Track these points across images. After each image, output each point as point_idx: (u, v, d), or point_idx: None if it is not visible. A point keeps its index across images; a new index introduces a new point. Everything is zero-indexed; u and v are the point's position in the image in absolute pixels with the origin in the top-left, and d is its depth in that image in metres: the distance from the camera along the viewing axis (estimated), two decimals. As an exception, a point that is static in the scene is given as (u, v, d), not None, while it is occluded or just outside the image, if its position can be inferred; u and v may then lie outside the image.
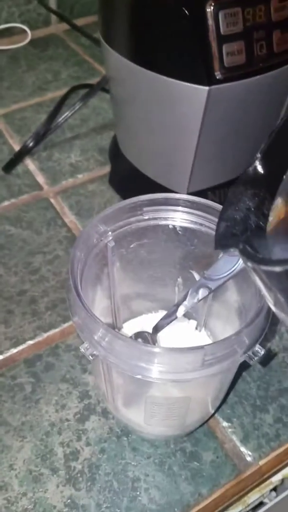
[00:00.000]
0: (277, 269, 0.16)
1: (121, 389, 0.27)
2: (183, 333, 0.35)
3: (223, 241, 0.22)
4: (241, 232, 0.22)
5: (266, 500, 0.45)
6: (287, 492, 0.43)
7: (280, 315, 0.19)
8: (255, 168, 0.22)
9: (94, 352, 0.24)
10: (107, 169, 0.56)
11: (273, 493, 0.45)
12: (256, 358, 0.23)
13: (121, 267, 0.32)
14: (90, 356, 0.24)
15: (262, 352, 0.24)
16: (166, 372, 0.23)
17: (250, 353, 0.23)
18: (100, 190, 0.54)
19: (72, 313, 0.25)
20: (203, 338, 0.35)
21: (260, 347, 0.24)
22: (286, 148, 0.22)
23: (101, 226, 0.28)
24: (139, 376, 0.23)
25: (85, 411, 0.37)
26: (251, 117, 0.40)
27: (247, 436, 0.35)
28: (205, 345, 0.22)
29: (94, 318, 0.23)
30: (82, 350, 0.24)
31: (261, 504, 0.45)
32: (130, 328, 0.37)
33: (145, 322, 0.34)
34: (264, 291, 0.18)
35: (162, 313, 0.31)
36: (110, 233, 0.29)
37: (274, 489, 0.46)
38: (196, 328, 0.36)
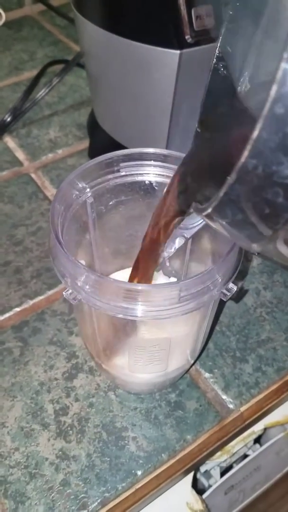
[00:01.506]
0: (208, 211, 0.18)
1: (105, 335, 0.28)
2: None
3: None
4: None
5: (250, 452, 0.47)
6: (270, 442, 0.45)
7: (245, 246, 0.20)
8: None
9: (77, 296, 0.25)
10: (86, 143, 0.56)
11: (257, 445, 0.47)
12: (229, 294, 0.25)
13: (101, 225, 0.33)
14: (73, 301, 0.25)
15: (235, 289, 0.25)
16: (146, 310, 0.24)
17: (224, 290, 0.25)
18: (80, 164, 0.54)
19: (55, 261, 0.26)
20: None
21: (233, 284, 0.25)
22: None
23: (79, 183, 0.29)
24: (120, 316, 0.24)
25: (73, 370, 0.38)
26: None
27: (228, 385, 0.37)
28: (180, 281, 0.23)
29: (75, 262, 0.24)
30: (65, 295, 0.25)
31: (246, 457, 0.47)
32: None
33: (126, 276, 0.36)
34: (222, 231, 0.20)
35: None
36: (88, 189, 0.30)
37: (259, 442, 0.48)
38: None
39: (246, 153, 0.15)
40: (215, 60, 0.22)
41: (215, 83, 0.23)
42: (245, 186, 0.16)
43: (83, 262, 0.25)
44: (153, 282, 0.31)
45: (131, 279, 0.30)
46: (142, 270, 0.29)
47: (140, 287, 0.23)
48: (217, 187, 0.17)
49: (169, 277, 0.38)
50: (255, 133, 0.15)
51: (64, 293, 0.25)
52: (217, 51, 0.22)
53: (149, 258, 0.29)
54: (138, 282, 0.29)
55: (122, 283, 0.24)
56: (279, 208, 0.16)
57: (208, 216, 0.19)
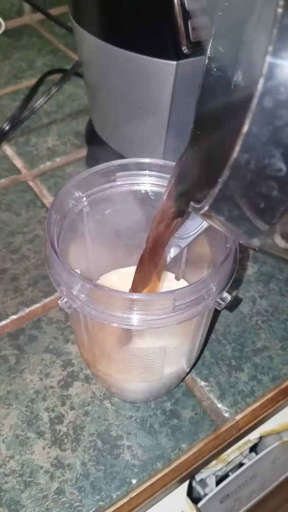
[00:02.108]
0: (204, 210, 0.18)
1: (100, 343, 0.29)
2: (164, 284, 0.36)
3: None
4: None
5: (246, 461, 0.47)
6: (265, 451, 0.45)
7: (245, 242, 0.21)
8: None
9: (73, 305, 0.25)
10: (84, 152, 0.57)
11: (253, 454, 0.47)
12: (223, 304, 0.25)
13: (97, 234, 0.33)
14: (68, 309, 0.25)
15: (229, 298, 0.25)
16: (141, 319, 0.24)
17: (218, 299, 0.25)
18: (78, 172, 0.54)
19: (50, 269, 0.26)
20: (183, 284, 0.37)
21: (227, 294, 0.25)
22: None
23: (75, 192, 0.29)
24: (115, 325, 0.24)
25: (69, 378, 0.38)
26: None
27: (223, 394, 0.37)
28: (175, 290, 0.23)
29: (70, 271, 0.24)
30: (60, 304, 0.25)
31: (242, 466, 0.47)
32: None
33: (122, 274, 0.36)
34: (220, 228, 0.20)
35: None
36: (84, 198, 0.30)
37: (254, 450, 0.48)
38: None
39: (237, 148, 0.16)
40: (207, 60, 0.22)
41: (208, 83, 0.23)
42: (239, 182, 0.16)
43: (78, 271, 0.25)
44: (162, 283, 0.31)
45: (134, 280, 0.30)
46: (145, 272, 0.29)
47: (135, 296, 0.24)
48: (212, 184, 0.17)
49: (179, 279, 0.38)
50: (245, 128, 0.15)
51: (59, 302, 0.25)
52: (208, 52, 0.23)
53: (152, 260, 0.29)
54: (142, 282, 0.29)
55: (117, 292, 0.24)
56: (274, 202, 0.16)
57: (206, 214, 0.19)
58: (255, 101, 0.15)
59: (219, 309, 0.26)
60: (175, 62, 0.36)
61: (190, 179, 0.24)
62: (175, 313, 0.24)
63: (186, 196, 0.24)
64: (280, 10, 0.14)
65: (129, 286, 0.30)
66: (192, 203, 0.21)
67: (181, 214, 0.25)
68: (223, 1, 0.22)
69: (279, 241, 0.19)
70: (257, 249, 0.20)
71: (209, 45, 0.23)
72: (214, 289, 0.25)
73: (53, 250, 0.25)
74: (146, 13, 0.37)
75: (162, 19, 0.36)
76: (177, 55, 0.36)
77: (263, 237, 0.18)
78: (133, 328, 0.24)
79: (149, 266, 0.29)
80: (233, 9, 0.22)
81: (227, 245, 0.26)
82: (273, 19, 0.15)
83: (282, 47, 0.14)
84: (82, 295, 0.25)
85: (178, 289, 0.23)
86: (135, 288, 0.30)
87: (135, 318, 0.24)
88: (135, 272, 0.30)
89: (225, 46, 0.23)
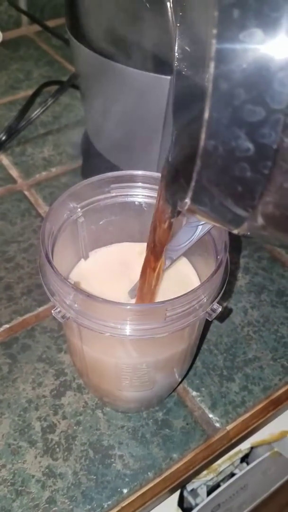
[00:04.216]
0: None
1: (92, 353, 0.29)
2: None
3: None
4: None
5: (237, 471, 0.47)
6: (256, 461, 0.45)
7: (234, 232, 0.21)
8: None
9: (66, 315, 0.25)
10: (79, 162, 0.57)
11: (244, 464, 0.47)
12: (214, 314, 0.26)
13: (91, 244, 0.33)
14: (61, 319, 0.25)
15: (220, 309, 0.26)
16: (133, 329, 0.25)
17: (209, 310, 0.25)
18: (73, 182, 0.55)
19: (45, 279, 0.27)
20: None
21: (218, 305, 0.26)
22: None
23: (70, 203, 0.30)
24: (108, 334, 0.25)
25: (61, 388, 0.38)
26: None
27: (215, 404, 0.37)
28: (166, 301, 0.24)
29: (64, 281, 0.25)
30: (53, 313, 0.26)
31: (233, 476, 0.47)
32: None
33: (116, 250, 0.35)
34: (210, 222, 0.20)
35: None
36: (79, 209, 0.31)
37: (245, 460, 0.48)
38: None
39: (203, 136, 0.15)
40: (176, 62, 0.23)
41: (181, 85, 0.23)
42: (212, 170, 0.16)
43: (71, 281, 0.25)
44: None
45: (140, 283, 0.30)
46: (148, 272, 0.30)
47: (127, 306, 0.24)
48: (189, 178, 0.17)
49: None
50: (206, 114, 0.15)
51: (53, 311, 0.26)
52: (176, 53, 0.23)
53: (153, 262, 0.29)
54: (145, 284, 0.30)
55: (109, 302, 0.24)
56: (250, 183, 0.16)
57: (190, 209, 0.19)
58: (210, 86, 0.15)
59: (209, 319, 0.26)
60: (169, 77, 0.37)
61: (173, 178, 0.25)
62: (167, 323, 0.24)
63: (172, 195, 0.25)
64: None
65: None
66: (178, 202, 0.21)
67: (173, 214, 0.25)
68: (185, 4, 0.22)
69: (260, 222, 0.18)
70: (243, 236, 0.20)
71: (175, 46, 0.23)
72: (205, 300, 0.25)
73: (47, 260, 0.25)
74: (141, 28, 0.37)
75: (157, 33, 0.37)
76: (172, 70, 0.37)
77: (249, 222, 0.18)
78: (125, 338, 0.25)
79: (150, 270, 0.29)
80: (190, 6, 0.22)
81: (218, 256, 0.27)
82: (213, 2, 0.15)
83: (225, 27, 0.14)
84: (76, 305, 0.25)
85: (169, 300, 0.24)
86: (140, 289, 0.30)
87: (128, 328, 0.25)
88: (139, 279, 0.30)
89: (191, 44, 0.23)
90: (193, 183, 0.17)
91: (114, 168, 0.49)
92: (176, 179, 0.23)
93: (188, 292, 0.24)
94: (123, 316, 0.24)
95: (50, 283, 0.26)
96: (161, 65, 0.37)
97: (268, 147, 0.15)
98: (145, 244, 0.28)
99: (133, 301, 0.31)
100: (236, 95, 0.15)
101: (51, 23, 0.81)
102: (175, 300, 0.24)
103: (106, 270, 0.34)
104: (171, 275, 0.32)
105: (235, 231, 0.19)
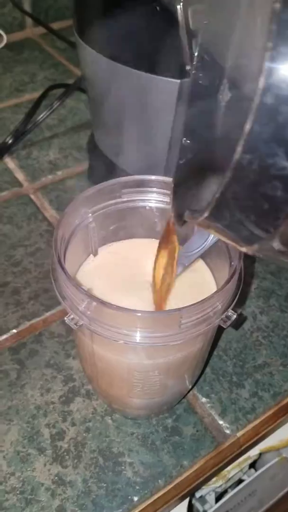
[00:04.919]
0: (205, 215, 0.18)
1: (103, 359, 0.29)
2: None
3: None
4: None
5: (245, 477, 0.47)
6: (265, 467, 0.45)
7: (242, 249, 0.20)
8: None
9: (79, 322, 0.25)
10: (85, 165, 0.57)
11: (252, 470, 0.47)
12: (229, 321, 0.25)
13: (103, 249, 0.33)
14: (74, 326, 0.25)
15: (235, 316, 0.25)
16: (147, 336, 0.24)
17: (223, 317, 0.25)
18: (79, 186, 0.55)
19: (57, 284, 0.26)
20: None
21: (233, 311, 0.26)
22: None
23: (82, 208, 0.30)
24: (121, 342, 0.24)
25: (70, 394, 0.38)
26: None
27: (225, 410, 0.37)
28: (181, 308, 0.23)
29: (78, 287, 0.24)
30: (66, 321, 0.25)
31: (241, 482, 0.47)
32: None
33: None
34: (217, 235, 0.20)
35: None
36: (90, 214, 0.30)
37: (253, 466, 0.48)
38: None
39: (239, 149, 0.15)
40: (194, 70, 0.22)
41: (196, 93, 0.23)
42: (242, 183, 0.16)
43: (84, 287, 0.25)
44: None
45: (154, 284, 0.30)
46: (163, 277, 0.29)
47: (141, 314, 0.24)
48: (213, 189, 0.17)
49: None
50: (247, 127, 0.15)
51: (65, 318, 0.25)
52: (196, 61, 0.23)
53: (166, 268, 0.29)
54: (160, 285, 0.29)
55: (123, 309, 0.24)
56: (278, 202, 0.16)
57: (205, 221, 0.18)
58: (257, 99, 0.14)
59: (224, 327, 0.26)
60: (178, 81, 0.37)
61: (184, 190, 0.24)
62: (181, 330, 0.24)
63: (183, 206, 0.24)
64: (278, 5, 0.14)
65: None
66: (188, 212, 0.21)
67: (183, 223, 0.25)
68: (210, 14, 0.22)
69: (276, 244, 0.18)
70: (252, 254, 0.20)
71: (196, 54, 0.23)
72: (220, 307, 0.25)
73: (60, 266, 0.25)
74: (150, 31, 0.37)
75: (167, 37, 0.36)
76: (181, 73, 0.37)
77: (264, 243, 0.18)
78: (139, 345, 0.25)
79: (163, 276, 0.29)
80: (217, 18, 0.22)
81: (232, 263, 0.26)
82: (270, 15, 0.14)
83: (282, 42, 0.14)
84: (88, 312, 0.25)
85: (184, 307, 0.23)
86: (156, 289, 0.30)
87: (141, 335, 0.24)
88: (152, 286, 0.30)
89: (210, 55, 0.23)
90: (218, 195, 0.17)
91: (120, 171, 0.49)
92: (189, 192, 0.23)
93: (202, 300, 0.24)
94: (137, 324, 0.24)
95: (63, 289, 0.26)
96: (170, 68, 0.37)
97: None
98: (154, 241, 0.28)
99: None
100: (282, 112, 0.15)
101: (55, 25, 0.80)
102: (189, 307, 0.23)
103: (115, 265, 0.33)
104: (186, 277, 0.32)
105: (244, 249, 0.19)
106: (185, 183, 0.25)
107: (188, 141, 0.25)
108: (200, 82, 0.23)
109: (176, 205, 0.24)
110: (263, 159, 0.15)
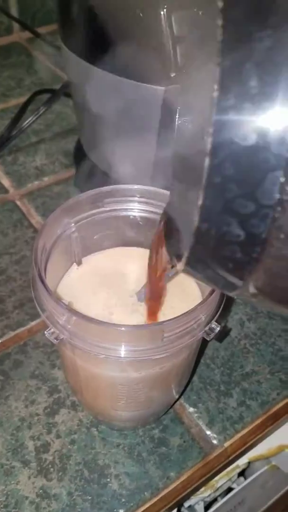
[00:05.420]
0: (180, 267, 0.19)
1: (86, 372, 0.28)
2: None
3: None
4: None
5: (234, 486, 0.46)
6: (254, 476, 0.45)
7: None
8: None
9: (59, 336, 0.24)
10: (72, 171, 0.57)
11: (242, 479, 0.46)
12: (212, 334, 0.25)
13: (86, 259, 0.33)
14: (55, 340, 0.25)
15: (218, 329, 0.25)
16: (129, 350, 0.24)
17: (207, 329, 0.25)
18: (66, 192, 0.55)
19: (37, 298, 0.26)
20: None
21: (216, 323, 0.25)
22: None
23: (64, 218, 0.29)
24: (102, 356, 0.24)
25: (55, 405, 0.37)
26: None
27: (212, 420, 0.37)
28: (164, 322, 0.23)
29: (57, 301, 0.24)
30: (46, 335, 0.25)
31: (230, 490, 0.47)
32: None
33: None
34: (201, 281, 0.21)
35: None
36: (73, 224, 0.30)
37: (243, 474, 0.47)
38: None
39: (197, 218, 0.16)
40: (177, 116, 0.22)
41: (181, 139, 0.23)
42: (205, 246, 0.17)
43: (65, 301, 0.25)
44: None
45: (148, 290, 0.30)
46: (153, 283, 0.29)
47: (123, 328, 0.23)
48: (185, 245, 0.18)
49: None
50: (200, 202, 0.16)
51: (45, 332, 0.25)
52: (178, 108, 0.23)
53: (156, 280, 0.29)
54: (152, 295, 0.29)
55: (105, 324, 0.23)
56: (240, 263, 0.17)
57: (185, 270, 0.19)
58: (204, 178, 0.15)
59: (208, 339, 0.25)
60: (163, 88, 0.37)
61: (170, 234, 0.25)
62: (164, 343, 0.24)
63: (169, 247, 0.24)
64: (216, 94, 0.15)
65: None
66: (174, 259, 0.21)
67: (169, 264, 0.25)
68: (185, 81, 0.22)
69: (255, 294, 0.19)
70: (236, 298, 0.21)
71: (178, 101, 0.23)
72: (203, 319, 0.25)
73: (40, 280, 0.25)
74: (134, 38, 0.37)
75: (151, 44, 0.36)
76: (166, 81, 0.37)
77: (240, 291, 0.19)
78: (121, 359, 0.24)
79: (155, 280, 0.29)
80: (190, 98, 0.22)
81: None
82: (210, 104, 0.15)
83: (222, 125, 0.15)
84: (69, 326, 0.24)
85: (167, 320, 0.23)
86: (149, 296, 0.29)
87: (124, 349, 0.24)
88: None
89: (193, 102, 0.23)
90: (186, 254, 0.18)
91: (107, 177, 0.48)
92: (174, 238, 0.23)
93: (185, 312, 0.23)
94: (119, 338, 0.24)
95: (43, 302, 0.25)
96: (154, 75, 0.37)
97: (257, 236, 0.16)
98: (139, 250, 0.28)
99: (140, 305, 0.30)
100: (228, 189, 0.15)
101: (42, 30, 0.80)
102: (172, 320, 0.23)
103: (99, 275, 0.33)
104: (172, 288, 0.32)
105: (230, 295, 0.20)
106: (171, 227, 0.25)
107: (173, 186, 0.25)
108: (185, 128, 0.23)
109: (167, 245, 0.24)
110: (219, 227, 0.16)
